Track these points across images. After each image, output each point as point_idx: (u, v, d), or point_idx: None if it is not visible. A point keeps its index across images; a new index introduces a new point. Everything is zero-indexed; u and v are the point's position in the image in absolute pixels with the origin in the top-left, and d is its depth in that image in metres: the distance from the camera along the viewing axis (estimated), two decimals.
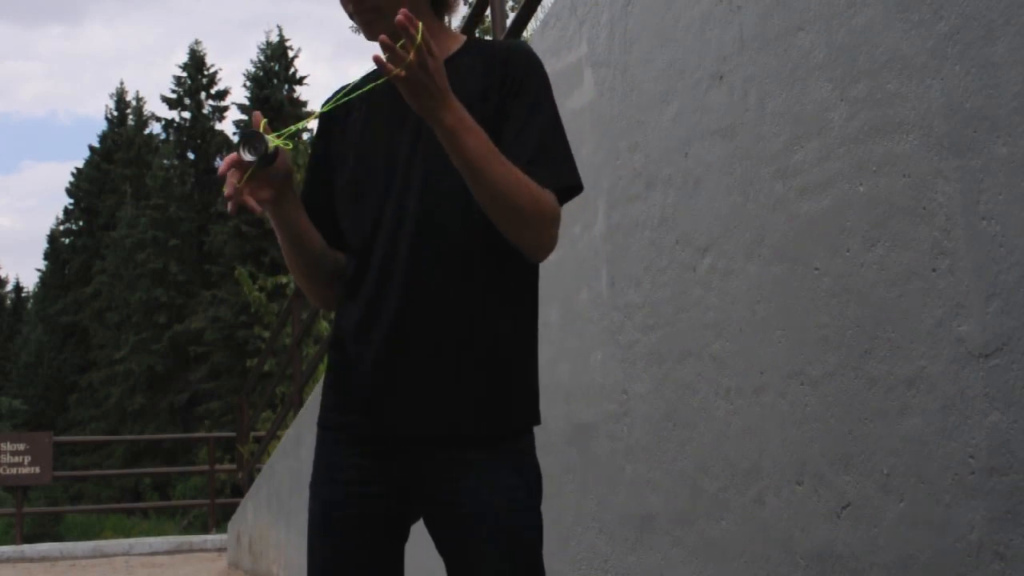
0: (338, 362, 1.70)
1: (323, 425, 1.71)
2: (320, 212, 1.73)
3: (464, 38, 1.74)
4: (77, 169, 38.94)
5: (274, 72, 33.85)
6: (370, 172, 1.67)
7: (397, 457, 1.61)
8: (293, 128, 1.65)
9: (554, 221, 1.58)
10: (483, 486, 1.57)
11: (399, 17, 1.37)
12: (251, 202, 1.54)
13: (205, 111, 35.78)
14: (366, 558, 1.64)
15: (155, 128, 36.89)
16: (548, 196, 1.56)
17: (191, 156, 35.24)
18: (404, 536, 1.68)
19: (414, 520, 1.68)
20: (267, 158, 1.57)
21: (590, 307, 2.82)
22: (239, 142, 1.58)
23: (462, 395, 1.58)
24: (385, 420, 1.61)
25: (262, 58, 34.18)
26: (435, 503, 1.61)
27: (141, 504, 22.46)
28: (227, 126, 36.59)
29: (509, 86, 1.62)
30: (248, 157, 1.56)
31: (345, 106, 1.71)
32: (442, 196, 1.60)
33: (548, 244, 1.60)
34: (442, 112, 1.44)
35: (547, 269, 3.06)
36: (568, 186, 1.61)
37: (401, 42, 1.40)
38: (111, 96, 47.06)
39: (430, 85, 1.42)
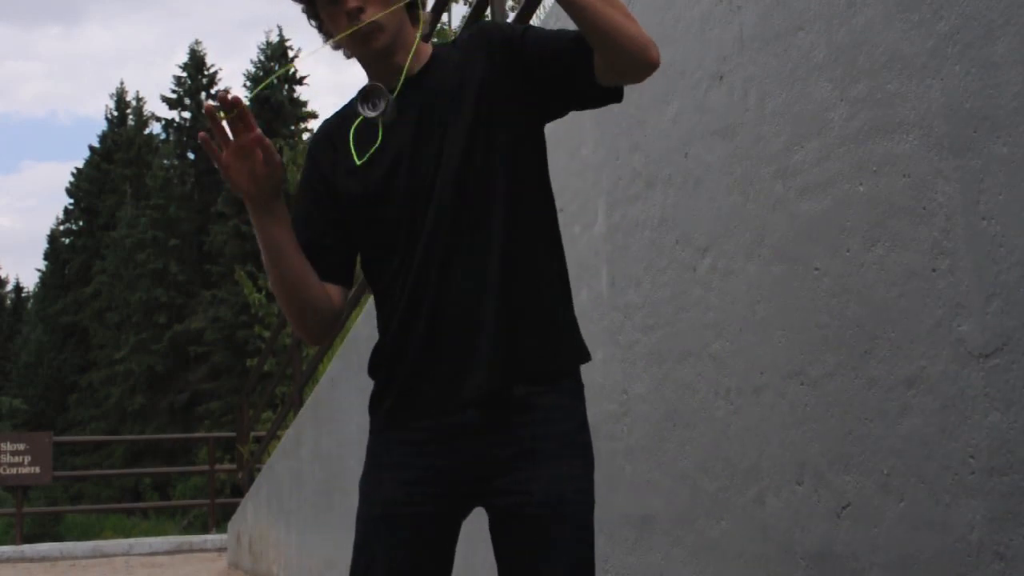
0: (389, 359, 1.72)
1: (381, 428, 1.74)
2: (318, 247, 1.74)
3: (431, 46, 1.80)
4: (77, 169, 38.93)
5: (274, 72, 33.84)
6: (394, 196, 1.69)
7: (462, 450, 1.66)
8: (268, 81, 1.81)
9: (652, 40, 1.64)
10: (552, 476, 1.64)
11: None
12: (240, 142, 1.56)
13: None
14: (427, 557, 1.69)
15: (155, 128, 36.91)
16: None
17: (191, 156, 35.20)
18: (457, 534, 1.73)
19: (465, 518, 1.74)
20: (391, 109, 1.54)
21: (590, 307, 2.82)
22: (358, 97, 1.56)
23: (520, 347, 1.66)
24: (452, 390, 1.65)
25: (262, 58, 34.18)
26: (503, 494, 1.64)
27: (141, 504, 22.47)
28: (227, 126, 36.47)
29: (506, 47, 1.70)
30: (370, 114, 1.54)
31: (330, 142, 1.77)
32: (475, 191, 1.67)
33: (658, 55, 1.63)
34: None
35: None
36: None
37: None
38: (111, 96, 47.05)
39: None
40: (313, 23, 1.76)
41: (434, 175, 1.66)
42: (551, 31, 1.70)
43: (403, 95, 1.66)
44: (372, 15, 1.64)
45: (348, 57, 1.75)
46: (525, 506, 1.63)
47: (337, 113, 1.83)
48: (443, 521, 1.70)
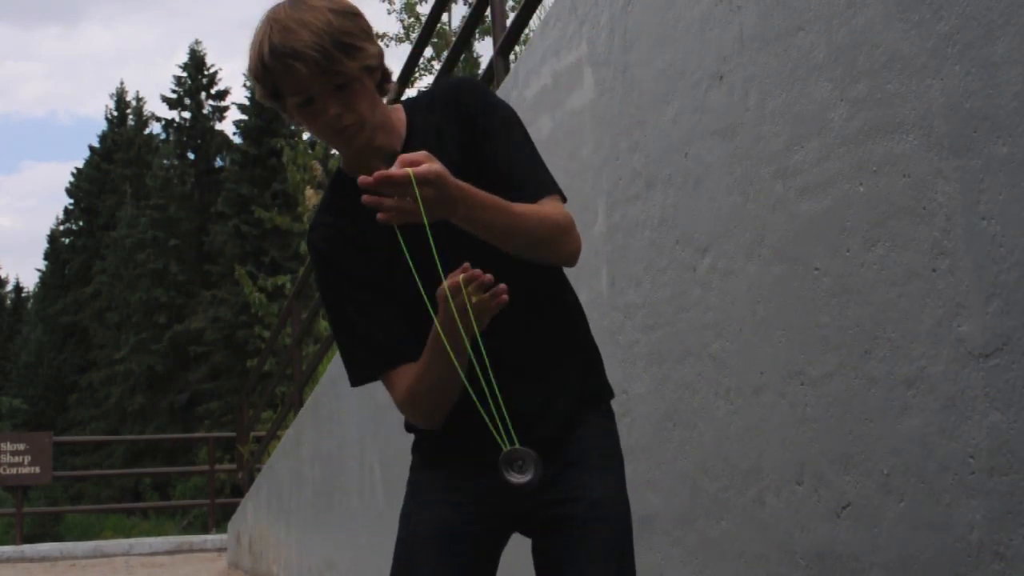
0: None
1: (425, 465, 1.76)
2: (395, 337, 1.68)
3: (402, 107, 1.75)
4: (77, 169, 38.95)
5: None
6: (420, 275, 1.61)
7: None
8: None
9: (570, 226, 1.66)
10: (597, 484, 1.68)
11: (374, 179, 1.39)
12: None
13: (205, 111, 35.77)
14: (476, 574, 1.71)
15: (155, 128, 36.92)
16: (555, 208, 1.65)
17: (191, 156, 35.22)
18: (498, 560, 1.76)
19: (506, 542, 1.77)
20: (538, 473, 1.46)
21: (590, 307, 2.82)
22: (503, 463, 1.46)
23: (559, 392, 1.71)
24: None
25: None
26: (551, 505, 1.66)
27: (141, 504, 22.47)
28: (227, 126, 36.62)
29: (477, 121, 1.68)
30: (517, 480, 1.46)
31: (340, 235, 1.70)
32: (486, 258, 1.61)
33: (577, 247, 1.69)
34: (452, 209, 1.46)
35: None
36: (554, 189, 1.69)
37: (402, 197, 1.40)
38: (111, 96, 47.09)
39: (443, 197, 1.43)
40: (271, 104, 1.67)
41: (454, 251, 1.59)
42: (516, 151, 1.68)
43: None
44: (349, 117, 1.59)
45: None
46: (574, 510, 1.66)
47: (327, 212, 1.75)
48: (488, 543, 1.73)
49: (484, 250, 1.57)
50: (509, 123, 1.70)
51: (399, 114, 1.73)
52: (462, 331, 1.50)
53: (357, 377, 1.73)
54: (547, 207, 1.63)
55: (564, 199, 1.69)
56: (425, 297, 1.49)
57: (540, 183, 1.67)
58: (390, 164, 1.56)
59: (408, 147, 1.66)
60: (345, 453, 5.47)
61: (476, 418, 1.62)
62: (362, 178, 1.40)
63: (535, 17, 4.64)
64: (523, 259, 1.63)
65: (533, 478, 1.46)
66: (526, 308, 1.67)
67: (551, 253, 1.66)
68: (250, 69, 1.61)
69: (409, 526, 1.73)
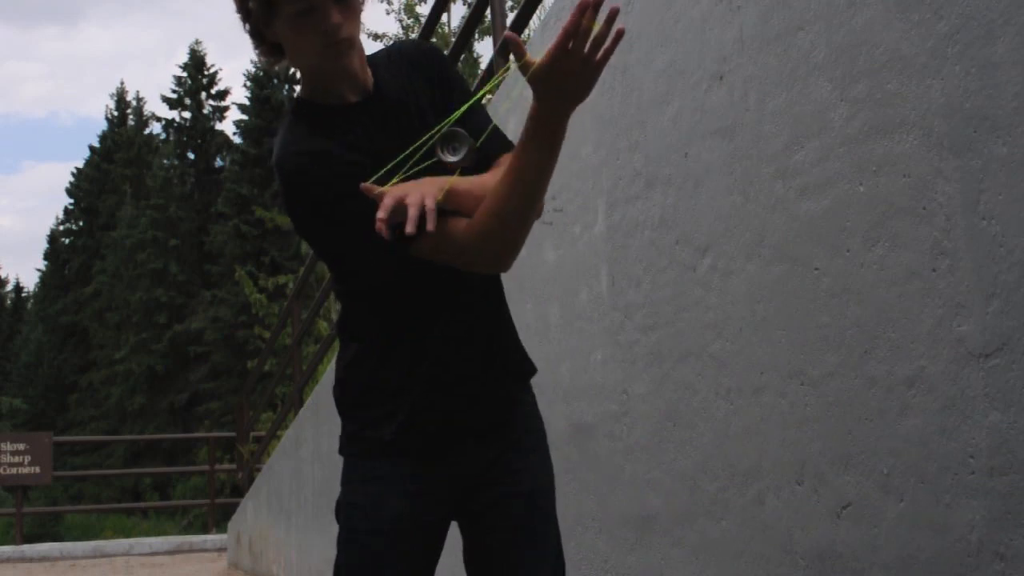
0: (384, 393, 1.74)
1: (374, 454, 1.76)
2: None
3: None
4: (77, 169, 38.96)
5: (274, 72, 33.80)
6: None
7: (463, 457, 1.73)
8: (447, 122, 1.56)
9: None
10: (536, 467, 1.78)
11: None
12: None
13: (205, 111, 35.78)
14: (426, 566, 1.75)
15: (155, 128, 36.93)
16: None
17: (191, 156, 35.23)
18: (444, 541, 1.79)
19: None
20: (471, 156, 1.48)
21: (590, 307, 2.82)
22: (439, 143, 1.48)
23: (497, 388, 1.77)
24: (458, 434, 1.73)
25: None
26: (496, 485, 1.72)
27: (141, 504, 22.48)
28: (227, 126, 36.60)
29: (443, 82, 1.73)
30: (451, 159, 1.47)
31: (332, 158, 1.65)
32: None
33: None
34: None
35: (547, 269, 3.07)
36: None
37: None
38: (111, 96, 47.10)
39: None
40: (244, 22, 1.64)
41: None
42: (484, 112, 1.73)
43: (369, 105, 1.68)
44: (348, 31, 1.60)
45: (269, 68, 1.71)
46: (512, 498, 1.73)
47: (314, 139, 1.68)
48: (440, 528, 1.76)
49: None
50: (466, 85, 1.79)
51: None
52: (567, 98, 1.47)
53: (376, 265, 1.66)
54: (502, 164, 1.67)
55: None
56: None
57: (504, 143, 1.73)
58: (364, 99, 1.66)
59: (380, 91, 1.69)
60: None
61: (427, 410, 1.69)
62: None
63: (535, 17, 4.64)
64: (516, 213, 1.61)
65: (464, 158, 1.48)
66: (484, 287, 1.75)
67: (539, 203, 1.63)
68: None
69: (364, 521, 1.73)
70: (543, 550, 1.74)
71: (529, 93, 1.48)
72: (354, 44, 1.63)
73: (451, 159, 1.48)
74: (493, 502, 1.73)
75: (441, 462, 1.72)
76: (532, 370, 1.86)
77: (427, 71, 1.73)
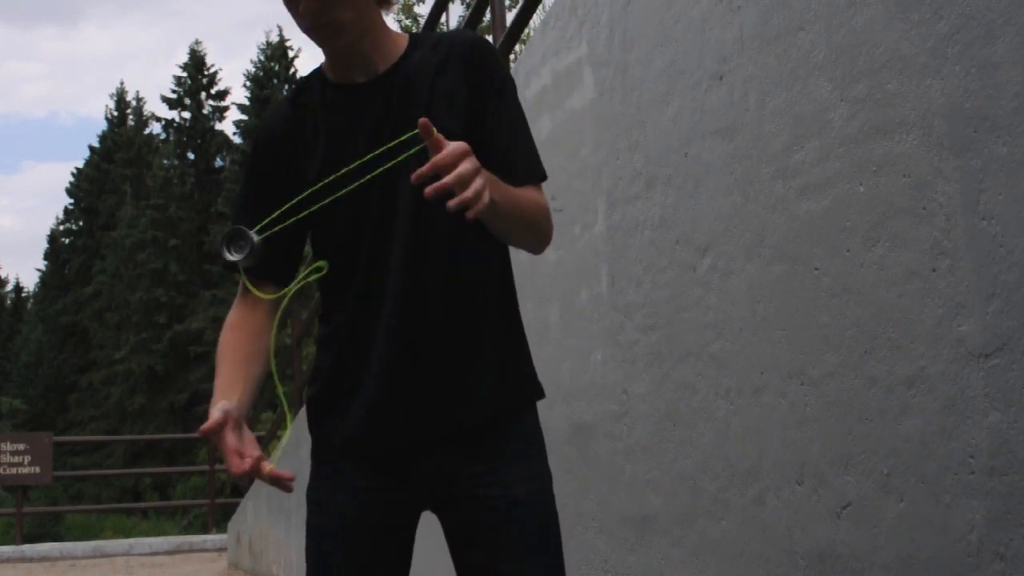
0: (335, 389, 1.67)
1: (325, 457, 1.69)
2: (278, 246, 1.61)
3: (407, 36, 1.72)
4: (77, 169, 38.93)
5: (274, 72, 33.85)
6: (348, 197, 1.57)
7: (418, 463, 1.63)
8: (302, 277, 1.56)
9: (550, 213, 1.68)
10: (515, 477, 1.62)
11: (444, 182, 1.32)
12: (284, 475, 1.42)
13: (205, 111, 35.77)
14: (382, 566, 1.65)
15: (155, 128, 36.91)
16: (539, 195, 1.65)
17: (191, 156, 35.22)
18: (413, 540, 1.70)
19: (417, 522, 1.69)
20: (254, 254, 1.45)
21: (590, 307, 2.82)
22: (222, 241, 1.45)
23: (468, 394, 1.62)
24: (403, 433, 1.62)
25: (262, 58, 34.19)
26: (464, 499, 1.61)
27: (141, 504, 22.46)
28: (227, 126, 36.58)
29: (484, 85, 1.64)
30: (232, 257, 1.44)
31: (288, 128, 1.68)
32: (429, 219, 1.60)
33: (551, 234, 1.69)
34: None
35: (547, 269, 3.07)
36: (543, 176, 1.69)
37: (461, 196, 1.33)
38: (111, 96, 47.06)
39: (488, 197, 1.38)
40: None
41: (394, 208, 1.60)
42: (514, 128, 1.65)
43: (368, 91, 1.64)
44: (333, 15, 1.57)
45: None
46: (489, 509, 1.61)
47: (287, 104, 1.72)
48: (402, 532, 1.67)
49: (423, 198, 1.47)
50: (512, 97, 1.68)
51: (401, 40, 1.70)
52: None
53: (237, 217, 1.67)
54: (531, 191, 1.62)
55: (545, 179, 1.69)
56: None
57: (531, 171, 1.65)
58: (370, 80, 1.63)
59: (393, 75, 1.64)
60: None
61: (398, 407, 1.61)
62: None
63: (535, 17, 4.64)
64: (485, 240, 1.60)
65: (245, 258, 1.45)
66: (447, 278, 1.62)
67: (537, 239, 1.66)
68: None
69: (316, 516, 1.68)
70: (530, 564, 1.61)
71: None
72: (343, 28, 1.58)
73: (232, 258, 1.44)
74: (466, 512, 1.63)
75: (398, 466, 1.63)
76: (533, 395, 1.71)
77: (467, 65, 1.64)
